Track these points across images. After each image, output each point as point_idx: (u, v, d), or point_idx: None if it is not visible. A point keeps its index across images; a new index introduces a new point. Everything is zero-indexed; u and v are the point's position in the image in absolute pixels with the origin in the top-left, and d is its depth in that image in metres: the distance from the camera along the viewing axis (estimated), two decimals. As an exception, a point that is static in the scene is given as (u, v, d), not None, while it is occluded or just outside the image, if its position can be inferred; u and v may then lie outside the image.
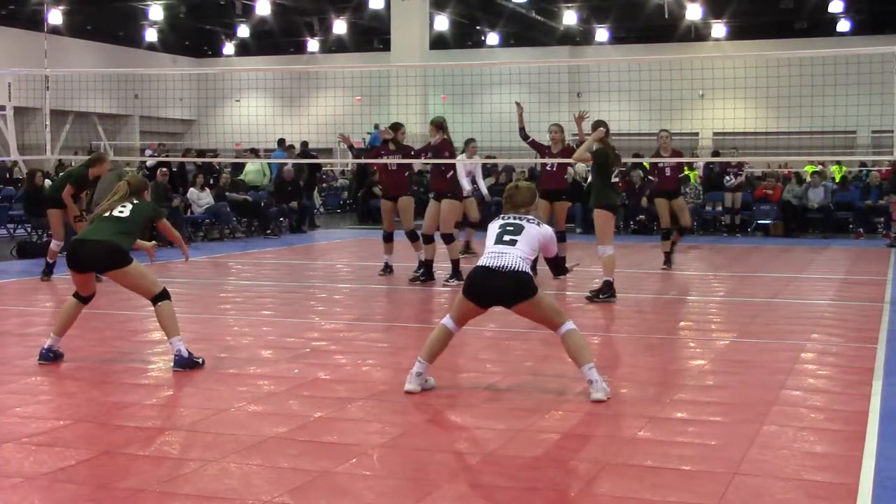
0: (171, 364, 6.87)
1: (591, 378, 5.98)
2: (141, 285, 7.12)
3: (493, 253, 6.06)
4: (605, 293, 10.12)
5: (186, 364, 6.85)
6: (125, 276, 7.06)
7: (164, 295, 7.01)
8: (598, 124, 10.44)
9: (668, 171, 13.45)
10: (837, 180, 22.49)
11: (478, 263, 6.12)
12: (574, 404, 6.00)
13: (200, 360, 7.01)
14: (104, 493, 4.35)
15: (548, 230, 6.30)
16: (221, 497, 4.30)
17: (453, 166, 11.84)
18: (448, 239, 11.72)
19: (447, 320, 6.18)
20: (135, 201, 7.39)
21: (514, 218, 6.28)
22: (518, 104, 12.44)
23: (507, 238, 6.12)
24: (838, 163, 25.92)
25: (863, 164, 26.63)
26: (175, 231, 7.91)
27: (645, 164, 21.14)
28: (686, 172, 20.73)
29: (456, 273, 11.61)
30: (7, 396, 6.11)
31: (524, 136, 12.43)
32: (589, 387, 6.00)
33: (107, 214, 7.26)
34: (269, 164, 21.75)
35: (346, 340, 8.28)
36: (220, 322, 9.40)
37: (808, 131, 28.68)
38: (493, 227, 6.27)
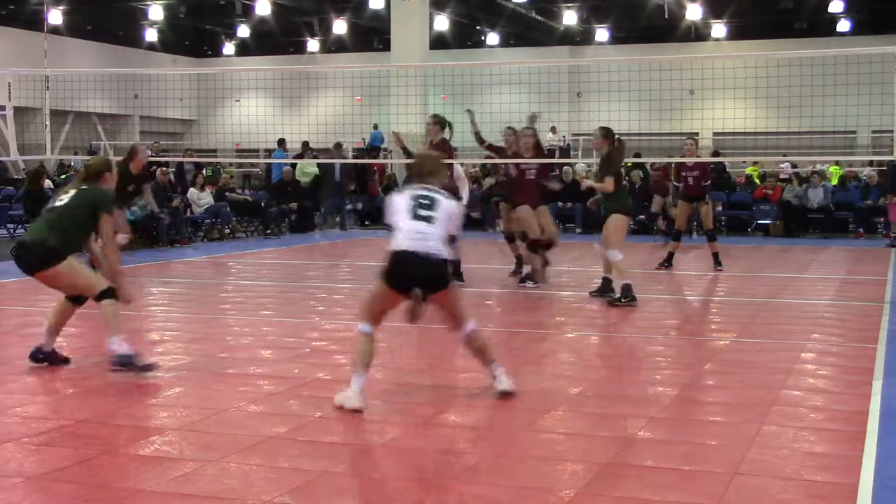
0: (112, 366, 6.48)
1: (496, 374, 6.00)
2: (79, 285, 6.40)
3: (414, 234, 5.68)
4: (626, 297, 9.88)
5: (124, 363, 6.39)
6: (57, 278, 6.29)
7: (108, 293, 6.40)
8: (607, 132, 10.35)
9: (690, 180, 13.43)
10: (835, 182, 22.45)
11: (399, 247, 5.70)
12: (574, 404, 6.00)
13: (148, 362, 6.50)
14: (104, 493, 4.35)
15: (457, 204, 5.98)
16: (221, 497, 4.30)
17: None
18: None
19: (364, 327, 5.83)
20: (83, 187, 6.49)
21: (426, 190, 5.87)
22: (469, 111, 12.27)
23: (423, 213, 5.73)
24: (836, 163, 25.90)
25: (869, 163, 26.63)
26: (113, 241, 6.67)
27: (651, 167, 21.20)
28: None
29: (456, 274, 11.59)
30: (7, 396, 6.11)
31: (480, 141, 12.35)
32: (494, 382, 6.00)
33: (48, 206, 6.53)
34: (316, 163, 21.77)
35: (346, 340, 8.27)
36: (220, 322, 9.40)
37: (808, 131, 28.67)
38: (404, 200, 5.83)
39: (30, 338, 8.10)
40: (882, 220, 19.71)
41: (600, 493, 4.39)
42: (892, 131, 12.56)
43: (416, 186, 5.93)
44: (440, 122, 11.79)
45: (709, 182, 13.79)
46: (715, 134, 33.53)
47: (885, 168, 21.84)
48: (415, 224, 5.70)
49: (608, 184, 10.08)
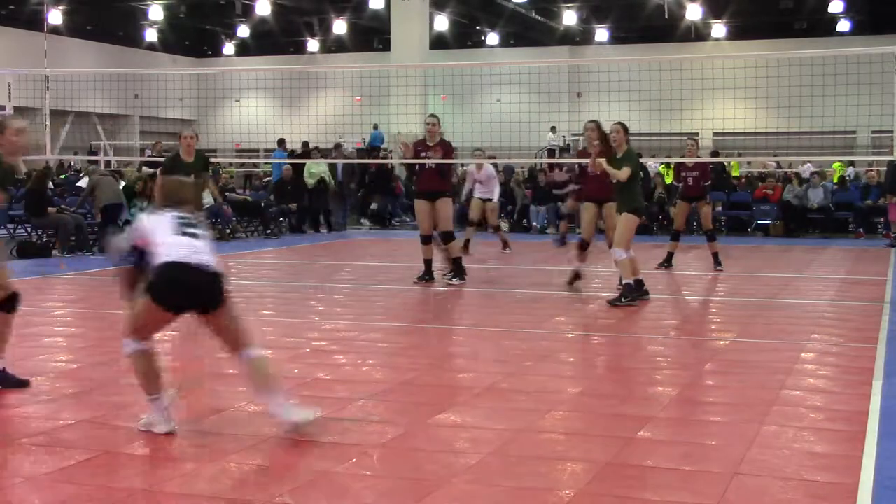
0: None
1: (282, 411, 5.13)
2: None
3: (185, 246, 5.09)
4: (626, 297, 9.83)
5: None
6: None
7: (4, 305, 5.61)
8: (626, 127, 10.31)
9: (690, 181, 13.46)
10: (836, 179, 22.48)
11: (169, 258, 5.06)
12: (574, 404, 6.00)
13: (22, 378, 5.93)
14: (104, 493, 4.35)
15: (210, 236, 5.41)
16: (221, 497, 4.30)
17: (451, 167, 11.81)
18: (448, 237, 11.64)
19: (132, 344, 5.19)
20: None
21: (184, 215, 5.30)
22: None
23: (189, 231, 5.18)
24: (842, 162, 25.92)
25: (850, 163, 26.65)
26: None
27: (663, 171, 21.26)
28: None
29: (458, 270, 11.57)
30: (7, 396, 6.11)
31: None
32: (282, 417, 5.13)
33: None
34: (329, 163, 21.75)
35: (346, 340, 8.28)
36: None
37: (808, 131, 28.70)
38: (164, 220, 5.21)
39: (30, 338, 8.11)
40: (882, 220, 19.72)
41: (600, 493, 4.39)
42: (892, 131, 12.57)
43: (171, 212, 5.30)
44: (439, 123, 11.73)
45: (709, 182, 13.81)
46: (715, 134, 33.55)
47: (872, 167, 21.90)
48: (183, 238, 5.14)
49: (624, 172, 9.90)
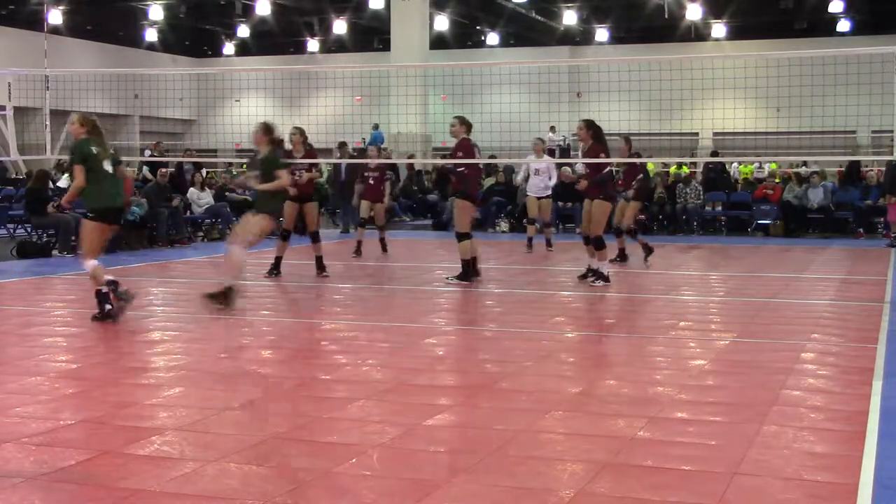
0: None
1: None
2: None
3: None
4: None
5: None
6: None
7: None
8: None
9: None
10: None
11: None
12: (574, 404, 6.00)
13: None
14: (104, 493, 4.35)
15: None
16: (221, 497, 4.30)
17: (466, 166, 11.79)
18: (461, 237, 11.56)
19: None
20: None
21: None
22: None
23: None
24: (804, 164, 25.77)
25: (803, 163, 26.55)
26: None
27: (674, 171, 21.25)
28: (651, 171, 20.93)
29: (464, 273, 11.50)
30: (7, 396, 6.11)
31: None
32: None
33: None
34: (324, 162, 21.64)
35: (346, 340, 8.28)
36: (220, 322, 9.39)
37: (808, 131, 28.70)
38: None
39: (30, 338, 8.12)
40: (882, 220, 19.71)
41: (600, 493, 4.39)
42: (892, 131, 12.58)
43: None
44: (464, 123, 11.64)
45: (640, 176, 13.97)
46: (715, 134, 33.54)
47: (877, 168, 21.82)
48: None
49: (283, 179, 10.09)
